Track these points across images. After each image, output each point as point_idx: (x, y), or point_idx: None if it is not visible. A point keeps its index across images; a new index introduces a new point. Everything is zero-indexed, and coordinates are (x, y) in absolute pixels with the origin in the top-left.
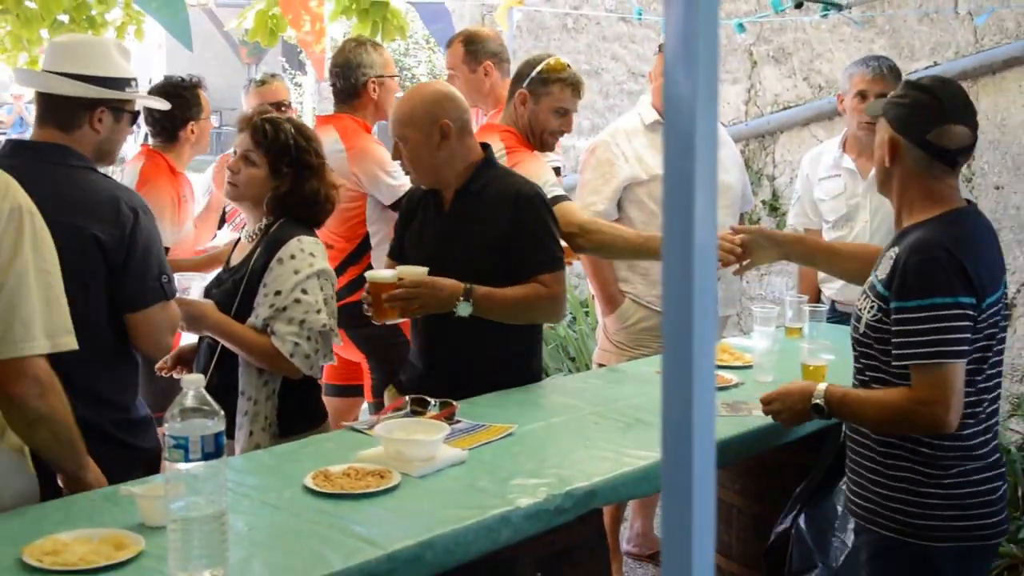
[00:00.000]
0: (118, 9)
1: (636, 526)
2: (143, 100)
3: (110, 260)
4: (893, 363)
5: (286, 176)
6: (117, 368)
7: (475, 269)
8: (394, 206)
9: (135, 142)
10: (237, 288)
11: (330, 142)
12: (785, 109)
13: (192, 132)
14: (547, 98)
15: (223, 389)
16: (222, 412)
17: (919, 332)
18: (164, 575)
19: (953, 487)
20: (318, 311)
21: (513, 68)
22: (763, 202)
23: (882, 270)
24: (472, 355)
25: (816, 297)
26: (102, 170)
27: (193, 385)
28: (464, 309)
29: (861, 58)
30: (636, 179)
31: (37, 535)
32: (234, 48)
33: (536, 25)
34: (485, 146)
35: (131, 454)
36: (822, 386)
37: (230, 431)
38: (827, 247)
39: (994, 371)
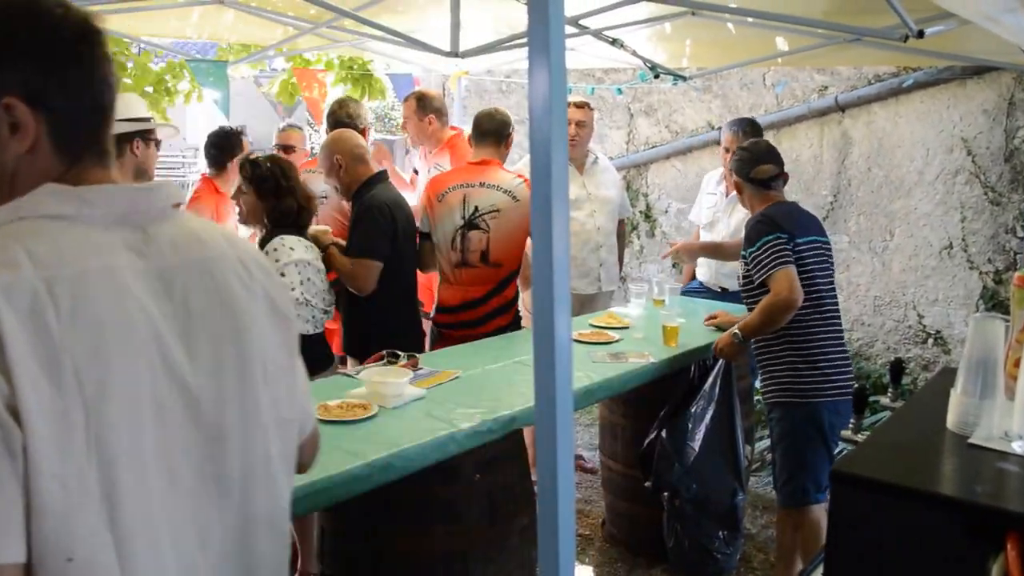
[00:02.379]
0: (186, 82)
1: None
2: (162, 129)
3: None
4: (756, 285)
5: (268, 197)
6: None
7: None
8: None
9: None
10: None
11: None
12: (654, 147)
13: (234, 163)
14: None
15: None
16: None
17: (763, 257)
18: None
19: (817, 361)
20: (292, 289)
21: (464, 119)
22: (640, 211)
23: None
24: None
25: (691, 277)
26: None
27: None
28: None
29: (731, 121)
30: None
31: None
32: (273, 106)
33: (480, 88)
34: (380, 171)
35: None
36: (735, 327)
37: None
38: (715, 247)
39: (829, 295)
